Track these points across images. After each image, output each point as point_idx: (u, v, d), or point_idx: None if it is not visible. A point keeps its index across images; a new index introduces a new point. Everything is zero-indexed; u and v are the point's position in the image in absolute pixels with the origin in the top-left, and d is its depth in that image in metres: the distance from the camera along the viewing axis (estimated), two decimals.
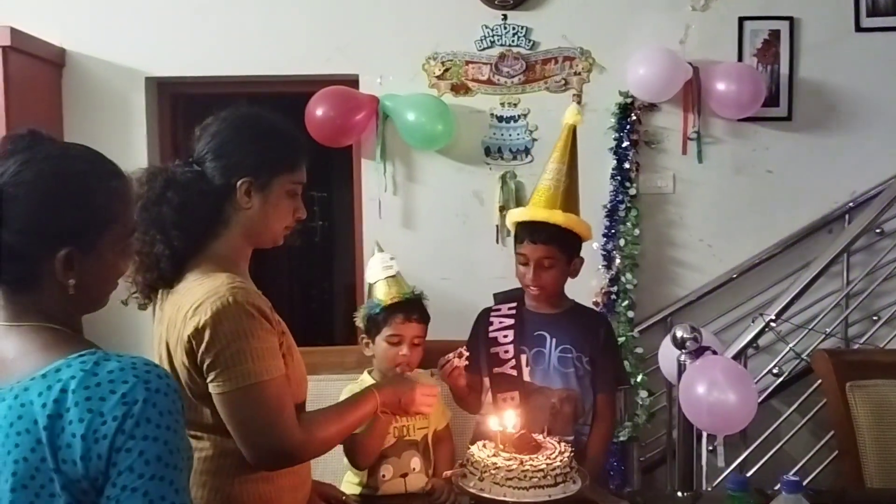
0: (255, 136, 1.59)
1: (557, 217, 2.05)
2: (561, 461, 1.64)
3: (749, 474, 2.88)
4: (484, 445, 1.72)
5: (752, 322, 2.96)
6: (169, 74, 3.66)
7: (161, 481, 0.98)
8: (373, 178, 3.64)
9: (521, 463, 1.61)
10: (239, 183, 1.54)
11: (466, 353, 1.96)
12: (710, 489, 2.79)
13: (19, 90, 3.25)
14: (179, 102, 3.88)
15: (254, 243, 1.62)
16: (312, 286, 6.53)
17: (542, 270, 2.08)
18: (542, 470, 1.61)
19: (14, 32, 3.19)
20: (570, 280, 2.25)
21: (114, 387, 0.99)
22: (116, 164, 1.17)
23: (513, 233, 2.22)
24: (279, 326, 1.54)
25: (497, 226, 3.59)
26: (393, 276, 2.07)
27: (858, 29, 3.60)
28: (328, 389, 2.31)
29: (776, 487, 1.44)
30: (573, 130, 2.16)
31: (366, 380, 2.09)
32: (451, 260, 3.59)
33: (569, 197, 2.10)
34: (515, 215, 2.19)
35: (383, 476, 1.97)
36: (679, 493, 2.22)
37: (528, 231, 2.09)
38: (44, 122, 3.47)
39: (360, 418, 1.69)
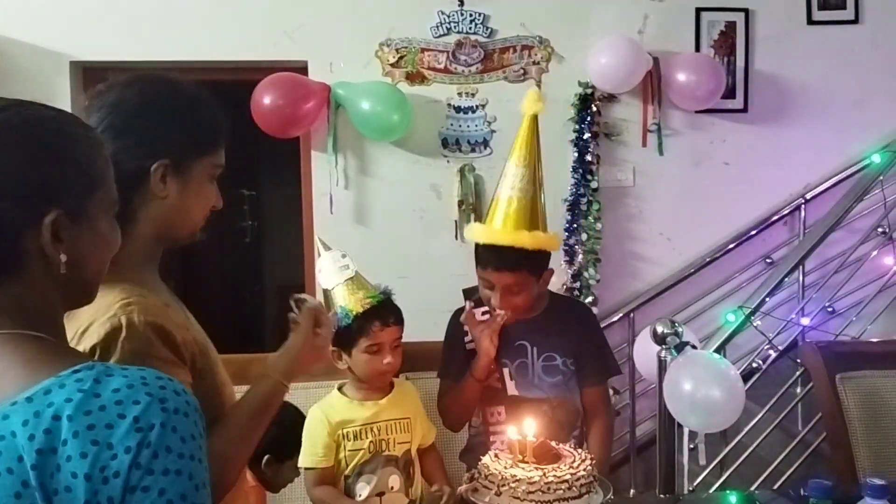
0: (172, 108, 1.25)
1: (524, 240, 1.84)
2: (585, 470, 1.50)
3: (728, 474, 2.83)
4: (497, 456, 1.56)
5: (729, 316, 2.90)
6: (96, 59, 3.36)
7: None
8: (323, 172, 3.43)
9: (544, 474, 1.45)
10: (154, 167, 1.21)
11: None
12: (690, 489, 2.72)
13: None
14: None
15: (167, 240, 1.28)
16: (243, 289, 6.23)
17: (510, 296, 1.89)
18: (566, 481, 1.46)
19: None
20: None
21: (123, 409, 0.77)
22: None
23: (475, 250, 2.01)
24: (191, 348, 1.19)
25: (456, 221, 3.44)
26: (352, 278, 1.83)
27: (810, 22, 3.62)
28: (292, 399, 2.12)
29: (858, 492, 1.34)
30: (535, 121, 1.95)
31: (332, 398, 1.89)
32: (408, 257, 3.42)
33: (534, 210, 1.89)
34: (476, 233, 1.96)
35: (359, 495, 1.79)
36: (661, 495, 2.12)
37: (493, 256, 1.87)
38: None
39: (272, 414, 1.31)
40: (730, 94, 3.58)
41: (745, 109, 3.62)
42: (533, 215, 1.89)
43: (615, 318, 3.53)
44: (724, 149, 3.63)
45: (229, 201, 4.83)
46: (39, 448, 0.74)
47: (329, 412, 1.84)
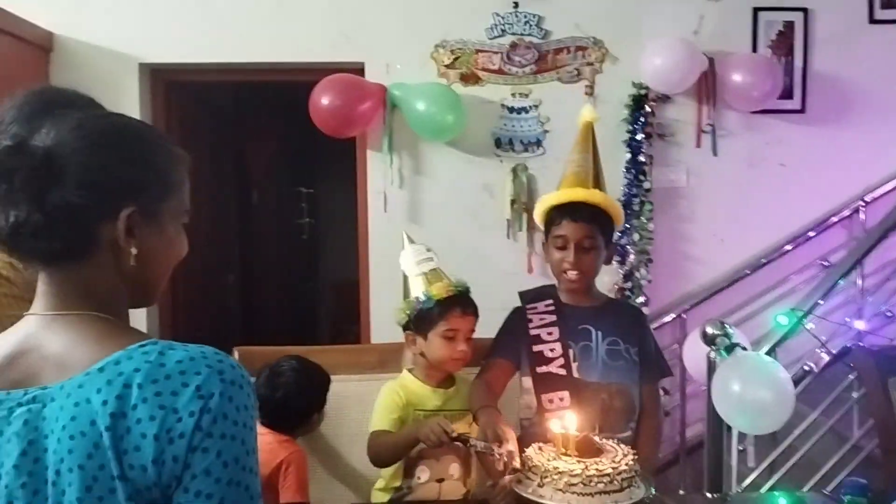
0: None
1: (597, 196, 1.97)
2: (627, 465, 1.53)
3: (778, 476, 2.81)
4: (540, 448, 1.60)
5: (780, 318, 2.87)
6: (164, 61, 3.50)
7: (238, 486, 0.86)
8: (378, 171, 3.51)
9: (586, 467, 1.49)
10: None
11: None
12: (739, 490, 2.72)
13: (3, 74, 3.06)
14: (175, 90, 3.71)
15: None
16: (300, 285, 6.37)
17: (582, 253, 1.96)
18: (608, 475, 1.49)
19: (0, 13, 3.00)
20: None
21: (186, 379, 0.85)
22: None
23: (544, 221, 2.09)
24: None
25: (508, 220, 3.48)
26: (434, 270, 1.96)
27: (872, 21, 3.56)
28: (347, 390, 2.20)
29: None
30: (591, 128, 2.10)
31: (406, 379, 1.96)
32: (460, 256, 3.40)
33: (598, 181, 2.03)
34: (551, 199, 2.07)
35: (418, 478, 1.86)
36: (708, 494, 2.13)
37: (568, 211, 1.98)
38: None
39: None
40: (787, 94, 3.55)
41: (802, 110, 3.58)
42: (597, 182, 2.02)
43: (666, 320, 3.53)
44: (780, 150, 3.59)
45: (287, 199, 5.03)
46: (112, 412, 0.82)
47: (404, 390, 1.91)
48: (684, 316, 3.50)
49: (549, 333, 1.98)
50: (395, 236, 2.29)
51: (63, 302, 0.93)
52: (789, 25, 3.53)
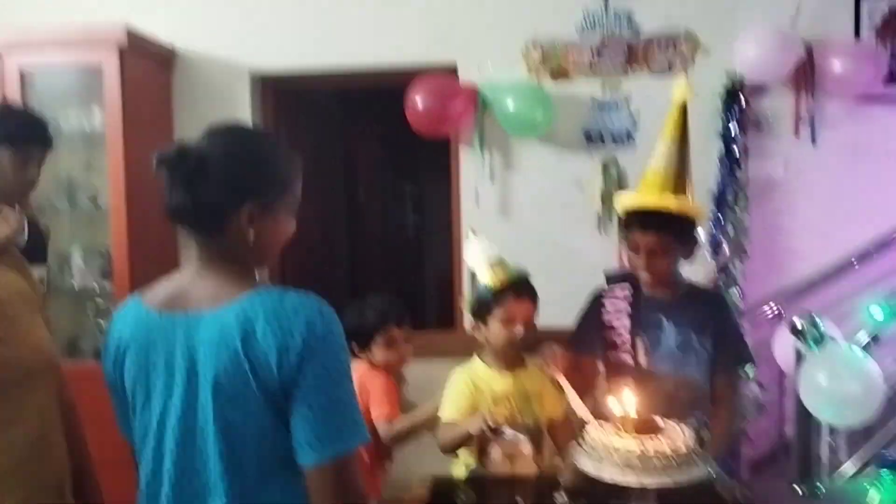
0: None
1: (669, 202, 1.98)
2: (684, 444, 1.58)
3: (870, 469, 2.73)
4: (601, 425, 1.67)
5: (873, 309, 2.79)
6: (271, 69, 3.74)
7: (338, 386, 1.22)
8: (471, 167, 3.62)
9: (644, 445, 1.55)
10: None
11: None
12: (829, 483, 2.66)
13: (133, 88, 3.37)
14: (283, 97, 3.96)
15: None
16: (406, 278, 6.58)
17: (654, 258, 2.00)
18: (664, 453, 1.55)
19: (130, 35, 3.30)
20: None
21: (298, 312, 1.21)
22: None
23: (622, 218, 2.15)
24: None
25: (598, 214, 3.52)
26: (496, 260, 2.07)
27: None
28: (432, 373, 2.35)
29: None
30: (684, 108, 2.08)
31: (475, 364, 2.08)
32: (550, 249, 3.54)
33: (680, 179, 2.02)
34: (625, 201, 2.12)
35: (492, 456, 1.97)
36: (796, 487, 2.12)
37: (639, 218, 2.02)
38: (156, 120, 3.61)
39: None
40: (893, 79, 3.41)
41: None
42: (678, 182, 2.01)
43: (762, 313, 3.47)
44: (885, 139, 3.45)
45: (394, 197, 5.26)
46: (244, 331, 1.20)
47: (473, 377, 2.04)
48: (781, 310, 3.42)
49: (620, 322, 2.05)
50: (486, 230, 2.42)
51: (210, 260, 1.30)
52: (895, 10, 3.39)
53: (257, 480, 1.21)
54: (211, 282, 1.28)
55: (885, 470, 1.15)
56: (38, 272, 2.03)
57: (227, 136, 1.32)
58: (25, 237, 1.94)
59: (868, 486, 1.19)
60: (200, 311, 1.25)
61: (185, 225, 1.30)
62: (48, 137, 2.10)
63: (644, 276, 2.03)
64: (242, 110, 3.71)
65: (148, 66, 3.55)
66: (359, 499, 1.21)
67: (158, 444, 1.26)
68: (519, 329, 2.01)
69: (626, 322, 2.04)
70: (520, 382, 2.05)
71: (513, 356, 2.07)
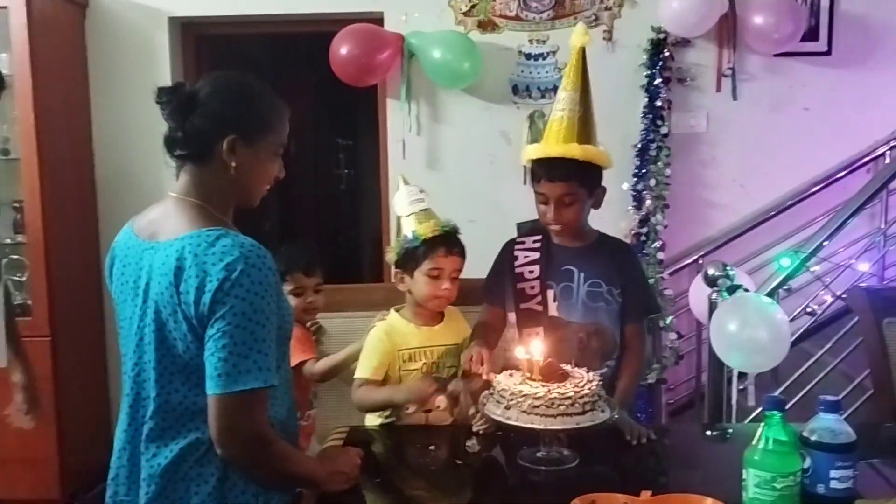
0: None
1: (574, 151, 1.96)
2: (589, 389, 1.61)
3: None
4: (511, 374, 1.70)
5: (783, 260, 2.89)
6: (192, 14, 3.61)
7: (244, 330, 1.29)
8: (397, 119, 3.59)
9: (549, 391, 1.58)
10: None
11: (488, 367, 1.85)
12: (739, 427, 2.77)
13: (43, 32, 3.22)
14: (203, 43, 3.84)
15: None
16: (339, 233, 6.53)
17: (563, 207, 2.00)
18: (569, 398, 1.58)
19: None
20: (600, 221, 2.20)
21: (222, 256, 1.30)
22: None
23: (529, 170, 2.14)
24: None
25: (525, 166, 3.51)
26: (425, 210, 2.04)
27: None
28: (354, 325, 2.34)
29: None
30: (582, 53, 2.04)
31: (393, 319, 2.07)
32: (477, 201, 3.54)
33: (584, 126, 1.99)
34: (530, 152, 2.10)
35: (406, 409, 1.97)
36: (707, 432, 2.19)
37: (545, 169, 2.00)
38: (68, 64, 3.45)
39: None
40: (812, 36, 3.48)
41: (828, 52, 3.51)
42: (582, 130, 1.99)
43: (683, 265, 3.55)
44: (804, 93, 3.54)
45: (325, 150, 5.16)
46: (177, 265, 1.32)
47: (390, 332, 2.02)
48: (701, 262, 3.51)
49: (531, 272, 2.06)
50: (413, 182, 2.38)
51: (187, 190, 1.42)
52: None
53: (184, 394, 1.37)
54: (182, 215, 1.39)
55: (770, 410, 1.20)
56: None
57: (220, 77, 1.45)
58: None
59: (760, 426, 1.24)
60: (160, 241, 1.38)
61: (176, 155, 1.43)
62: None
63: (554, 226, 2.04)
64: (161, 56, 3.59)
65: (59, 8, 3.39)
66: (247, 438, 1.32)
67: (128, 353, 1.44)
68: (445, 284, 1.99)
69: (537, 272, 2.06)
70: (437, 335, 2.05)
71: (431, 311, 2.06)
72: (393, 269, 2.09)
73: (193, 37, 3.76)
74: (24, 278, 3.26)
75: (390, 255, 2.07)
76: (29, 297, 3.23)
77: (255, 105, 1.44)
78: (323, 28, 3.50)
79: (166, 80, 3.54)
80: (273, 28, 3.75)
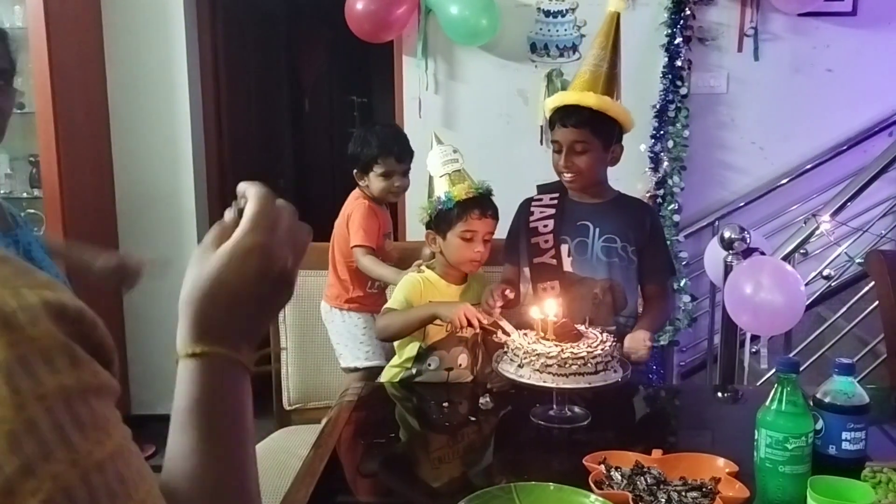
0: None
1: (590, 99, 1.96)
2: (602, 350, 1.61)
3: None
4: (525, 334, 1.70)
5: (805, 224, 2.87)
6: None
7: None
8: (413, 77, 3.55)
9: (562, 350, 1.59)
10: None
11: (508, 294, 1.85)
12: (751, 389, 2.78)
13: None
14: (222, 2, 3.80)
15: None
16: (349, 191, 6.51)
17: (574, 155, 2.00)
18: (582, 357, 1.58)
19: None
20: (616, 182, 2.19)
21: None
22: None
23: (547, 122, 2.15)
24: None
25: (541, 126, 3.50)
26: (459, 171, 1.99)
27: None
28: None
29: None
30: (617, 19, 2.05)
31: (428, 273, 2.04)
32: (493, 161, 3.49)
33: (609, 82, 2.00)
34: (550, 102, 2.10)
35: (429, 365, 1.98)
36: (718, 394, 2.20)
37: (560, 115, 2.01)
38: (82, 17, 3.43)
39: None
40: None
41: (853, 12, 3.44)
42: (605, 83, 1.99)
43: (699, 227, 3.53)
44: (827, 54, 3.48)
45: (340, 108, 5.12)
46: None
47: (424, 281, 2.01)
48: (717, 224, 3.49)
49: (545, 226, 2.06)
50: (428, 141, 2.37)
51: None
52: None
53: None
54: None
55: (783, 372, 1.20)
56: None
57: None
58: None
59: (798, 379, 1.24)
60: None
61: None
62: None
63: (566, 176, 2.03)
64: (175, 9, 3.55)
65: None
66: None
67: None
68: (478, 247, 1.97)
69: (550, 226, 2.05)
70: (465, 295, 2.03)
71: (461, 272, 2.05)
72: (425, 230, 2.06)
73: None
74: (40, 232, 3.29)
75: (422, 216, 2.04)
76: None
77: None
78: None
79: (181, 34, 3.52)
80: None
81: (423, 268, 2.09)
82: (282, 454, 2.13)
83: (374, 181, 2.46)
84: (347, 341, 2.42)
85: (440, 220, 1.97)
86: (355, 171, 2.48)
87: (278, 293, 0.70)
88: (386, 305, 2.00)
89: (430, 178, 2.03)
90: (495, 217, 2.00)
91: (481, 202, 1.96)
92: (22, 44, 3.15)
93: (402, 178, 2.39)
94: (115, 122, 3.62)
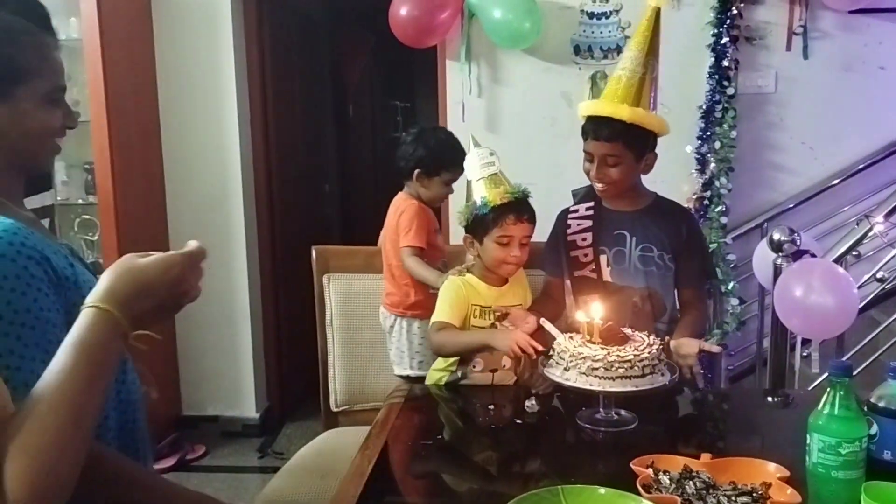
0: None
1: (623, 112, 1.94)
2: (649, 353, 1.61)
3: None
4: (571, 337, 1.70)
5: (857, 226, 2.81)
6: None
7: (6, 336, 1.02)
8: (457, 81, 3.57)
9: (608, 353, 1.58)
10: None
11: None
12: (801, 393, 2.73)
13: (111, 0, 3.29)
14: (265, 6, 3.86)
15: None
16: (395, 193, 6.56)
17: (606, 167, 2.00)
18: (628, 361, 1.58)
19: None
20: (662, 184, 2.18)
21: None
22: (35, 27, 1.23)
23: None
24: None
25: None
26: (495, 174, 1.99)
27: None
28: None
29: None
30: (657, 15, 2.00)
31: (467, 276, 2.05)
32: (536, 164, 3.51)
33: (640, 87, 1.97)
34: (583, 109, 2.09)
35: (474, 367, 1.99)
36: (768, 398, 2.17)
37: (593, 127, 2.00)
38: (135, 27, 3.52)
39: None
40: None
41: None
42: (637, 92, 1.97)
43: (747, 229, 3.48)
44: (879, 52, 3.40)
45: (383, 112, 5.15)
46: None
47: (465, 284, 2.02)
48: (766, 226, 3.44)
49: (584, 239, 2.07)
50: (470, 145, 2.39)
51: None
52: None
53: None
54: None
55: (836, 376, 1.18)
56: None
57: None
58: None
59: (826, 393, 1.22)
60: None
61: None
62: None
63: (598, 186, 2.03)
64: (224, 18, 3.62)
65: None
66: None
67: None
68: (515, 251, 1.97)
69: (589, 240, 2.05)
70: (504, 296, 2.04)
71: (502, 275, 2.06)
72: (463, 234, 2.06)
73: (256, 1, 3.79)
74: (95, 238, 3.38)
75: (460, 220, 2.05)
76: (100, 256, 3.35)
77: (1, 53, 1.17)
78: None
79: (229, 43, 3.60)
80: None
81: (464, 271, 2.10)
82: (329, 455, 2.16)
83: (436, 186, 2.48)
84: (405, 350, 2.44)
85: (477, 225, 1.98)
86: (417, 171, 2.46)
87: (163, 311, 1.05)
88: (434, 318, 2.01)
89: (468, 181, 2.04)
90: (532, 221, 1.99)
91: (517, 207, 1.95)
92: (78, 55, 3.26)
93: (447, 186, 2.45)
94: (166, 129, 3.70)
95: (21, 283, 1.05)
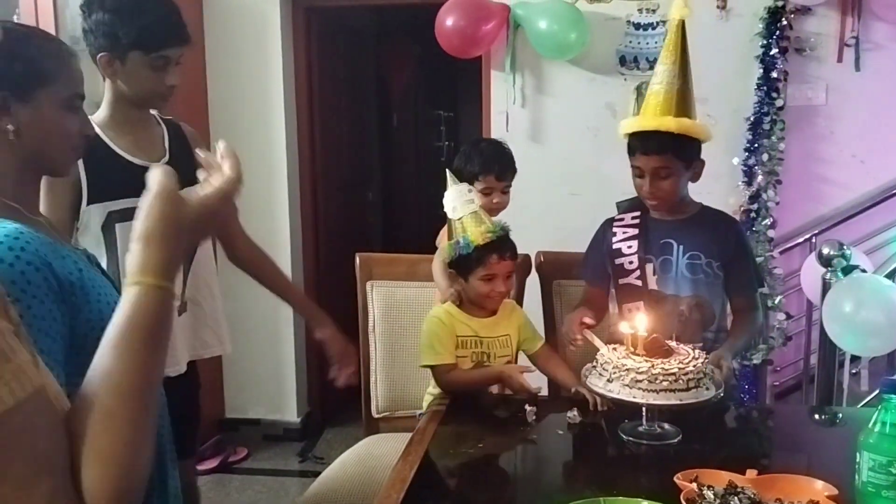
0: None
1: (669, 124, 1.94)
2: (694, 366, 1.59)
3: None
4: (614, 348, 1.70)
5: None
6: None
7: None
8: (501, 91, 3.58)
9: (653, 366, 1.57)
10: None
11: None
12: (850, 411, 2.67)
13: None
14: (312, 15, 3.93)
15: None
16: (440, 204, 6.58)
17: (658, 180, 1.99)
18: (673, 374, 1.56)
19: None
20: (709, 196, 2.16)
21: None
22: (60, 40, 1.27)
23: (626, 144, 2.12)
24: None
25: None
26: (475, 212, 1.98)
27: None
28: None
29: None
30: (682, 26, 2.01)
31: (448, 307, 2.04)
32: (580, 175, 3.51)
33: (682, 99, 1.97)
34: (625, 126, 2.09)
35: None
36: (816, 416, 2.13)
37: (640, 142, 2.00)
38: None
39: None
40: None
41: None
42: (679, 103, 1.97)
43: (794, 243, 3.43)
44: None
45: (426, 122, 5.19)
46: None
47: (447, 316, 2.01)
48: (814, 240, 3.38)
49: (630, 247, 2.06)
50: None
51: None
52: None
53: None
54: None
55: (888, 393, 1.16)
56: None
57: None
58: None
59: (876, 410, 1.20)
60: None
61: None
62: (185, 36, 1.90)
63: (650, 200, 2.02)
64: (272, 29, 3.69)
65: None
66: None
67: None
68: (500, 287, 1.97)
69: (635, 247, 2.05)
70: (489, 326, 2.03)
71: (489, 307, 2.04)
72: (447, 269, 2.06)
73: (303, 10, 3.86)
74: None
75: (444, 256, 2.04)
76: None
77: (23, 54, 1.17)
78: (429, 2, 3.51)
79: (277, 53, 3.66)
80: (382, 3, 3.79)
81: (455, 299, 2.06)
82: (370, 460, 2.18)
83: (477, 196, 2.47)
84: None
85: (460, 264, 1.99)
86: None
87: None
88: (428, 361, 1.99)
89: (450, 221, 2.02)
90: (514, 257, 2.00)
91: (499, 245, 1.96)
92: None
93: (501, 195, 2.34)
94: (215, 137, 3.78)
95: (15, 290, 1.02)
